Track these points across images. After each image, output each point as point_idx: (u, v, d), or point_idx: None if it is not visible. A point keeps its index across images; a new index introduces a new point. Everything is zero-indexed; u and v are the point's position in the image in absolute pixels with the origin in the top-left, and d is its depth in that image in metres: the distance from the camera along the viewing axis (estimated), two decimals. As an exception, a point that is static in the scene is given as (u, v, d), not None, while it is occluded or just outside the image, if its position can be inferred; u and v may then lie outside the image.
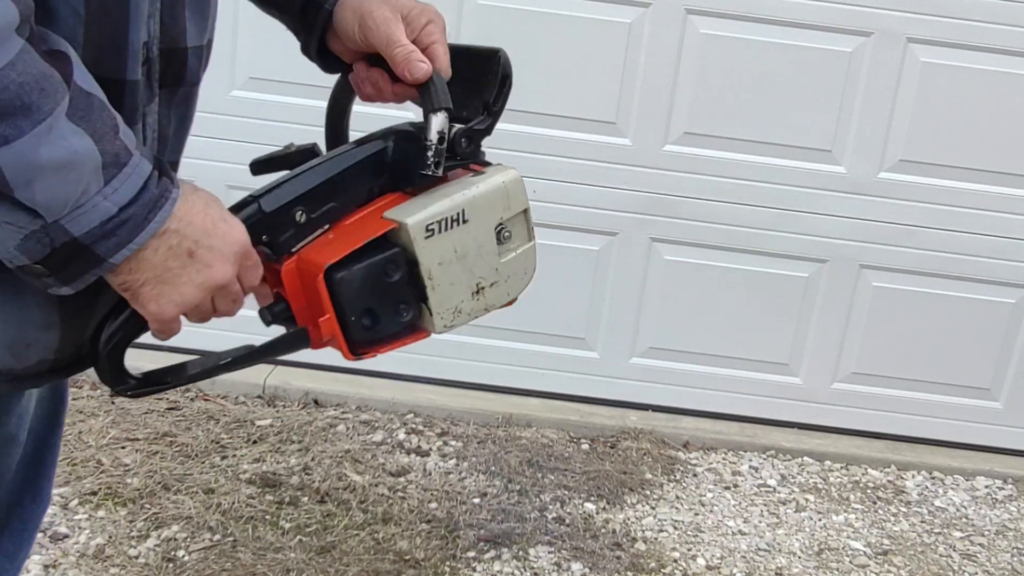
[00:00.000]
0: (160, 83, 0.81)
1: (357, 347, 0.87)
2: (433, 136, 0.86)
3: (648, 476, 2.77)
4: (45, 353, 0.80)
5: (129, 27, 0.74)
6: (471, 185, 0.89)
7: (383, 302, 0.86)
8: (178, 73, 0.83)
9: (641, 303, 3.05)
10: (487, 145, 0.95)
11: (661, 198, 2.95)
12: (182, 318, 0.81)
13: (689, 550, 2.45)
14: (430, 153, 0.86)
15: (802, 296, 3.04)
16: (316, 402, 2.94)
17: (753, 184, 2.93)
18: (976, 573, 2.51)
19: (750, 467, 2.91)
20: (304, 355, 3.09)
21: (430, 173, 0.86)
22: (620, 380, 3.11)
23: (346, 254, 0.84)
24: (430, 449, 2.77)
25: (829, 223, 2.97)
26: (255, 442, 2.67)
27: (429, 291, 0.88)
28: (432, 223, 0.86)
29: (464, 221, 0.88)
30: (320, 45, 0.98)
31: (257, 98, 2.86)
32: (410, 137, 0.91)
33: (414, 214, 0.86)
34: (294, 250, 0.85)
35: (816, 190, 2.95)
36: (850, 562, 2.49)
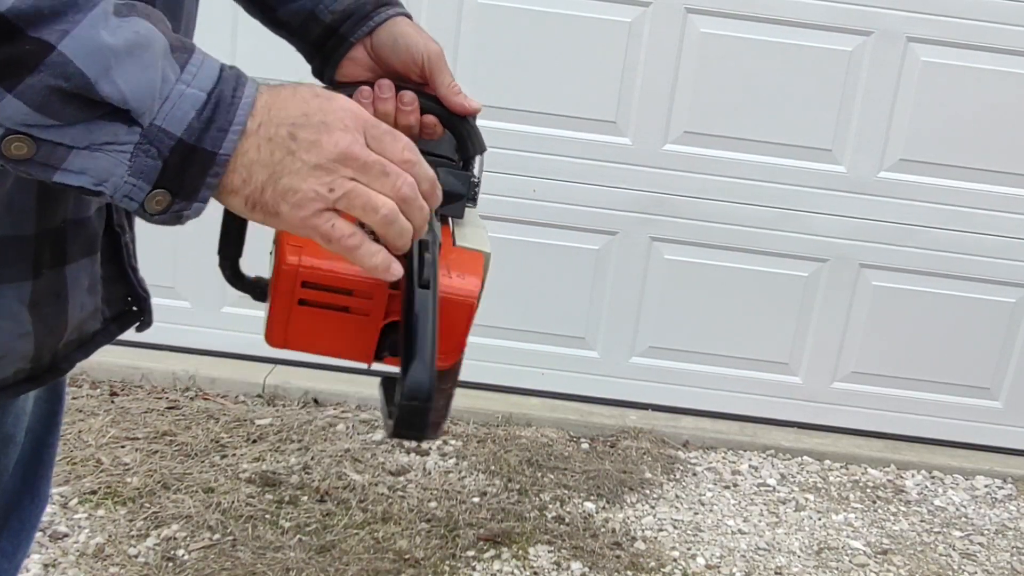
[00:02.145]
0: None
1: None
2: (479, 173, 0.93)
3: (648, 475, 2.77)
4: (21, 363, 0.80)
5: None
6: (482, 225, 0.93)
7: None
8: None
9: (641, 302, 3.05)
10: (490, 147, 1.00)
11: (661, 197, 2.95)
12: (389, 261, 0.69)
13: (689, 549, 2.45)
14: (478, 188, 0.92)
15: (802, 295, 3.04)
16: (316, 401, 2.94)
17: (753, 183, 2.94)
18: (976, 572, 2.51)
19: (750, 466, 2.91)
20: (304, 354, 3.07)
21: (474, 207, 0.92)
22: (620, 379, 3.11)
23: (481, 287, 0.81)
24: (430, 448, 2.77)
25: (829, 222, 2.97)
26: (255, 441, 2.67)
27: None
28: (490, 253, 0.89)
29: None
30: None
31: (257, 97, 2.86)
32: (451, 173, 0.94)
33: (486, 245, 0.86)
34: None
35: (816, 189, 2.95)
36: (850, 561, 2.49)
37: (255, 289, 0.86)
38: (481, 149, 0.93)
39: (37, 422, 1.01)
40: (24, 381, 0.82)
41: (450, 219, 0.89)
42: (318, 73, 1.02)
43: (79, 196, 0.74)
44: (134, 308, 0.92)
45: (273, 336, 0.79)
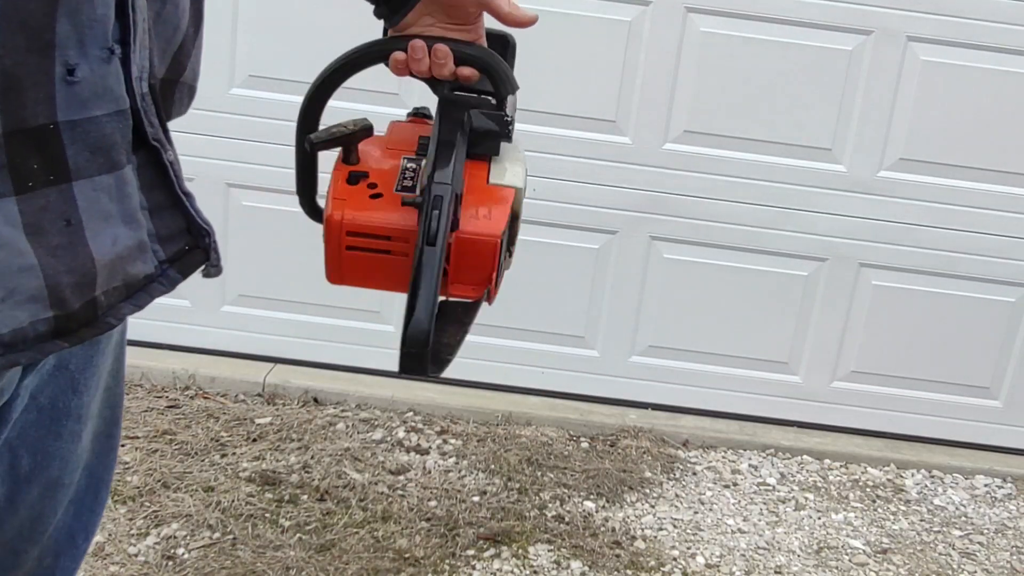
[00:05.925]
0: None
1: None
2: (513, 111, 0.98)
3: (647, 474, 2.77)
4: (37, 307, 0.67)
5: None
6: (519, 159, 0.99)
7: (500, 267, 0.95)
8: None
9: (641, 301, 3.05)
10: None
11: (661, 196, 2.95)
12: None
13: (688, 548, 2.45)
14: (512, 126, 0.97)
15: (802, 294, 3.04)
16: (316, 400, 2.94)
17: (753, 182, 2.94)
18: (975, 572, 2.51)
19: (749, 466, 2.91)
20: (304, 353, 3.08)
21: (510, 143, 0.97)
22: (619, 378, 3.11)
23: (506, 224, 0.90)
24: (430, 447, 2.77)
25: (829, 221, 2.97)
26: (255, 440, 2.67)
27: (510, 257, 0.96)
28: (523, 187, 0.96)
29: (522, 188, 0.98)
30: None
31: (256, 96, 2.86)
32: (485, 112, 0.99)
33: (518, 180, 0.94)
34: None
35: (816, 188, 2.95)
36: (849, 560, 2.49)
37: None
38: (513, 88, 0.99)
39: (94, 458, 0.93)
40: (51, 335, 0.67)
41: (490, 158, 0.96)
42: (383, 15, 1.01)
43: (66, 86, 0.62)
44: (197, 246, 0.79)
45: (331, 275, 0.92)
